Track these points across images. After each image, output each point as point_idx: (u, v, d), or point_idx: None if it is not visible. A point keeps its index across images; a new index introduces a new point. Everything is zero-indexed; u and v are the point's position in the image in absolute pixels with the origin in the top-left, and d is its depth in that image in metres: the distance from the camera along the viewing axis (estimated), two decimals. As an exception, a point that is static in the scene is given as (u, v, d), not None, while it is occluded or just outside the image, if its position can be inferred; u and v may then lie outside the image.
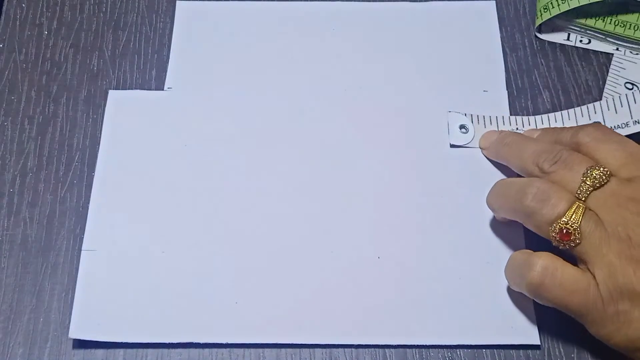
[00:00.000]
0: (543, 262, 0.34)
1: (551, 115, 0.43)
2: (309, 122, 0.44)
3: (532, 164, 0.37)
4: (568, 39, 0.46)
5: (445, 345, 0.37)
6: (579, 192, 0.34)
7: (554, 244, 0.34)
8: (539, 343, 0.37)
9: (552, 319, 0.38)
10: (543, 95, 0.45)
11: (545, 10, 0.45)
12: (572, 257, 0.35)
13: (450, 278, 0.39)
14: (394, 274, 0.39)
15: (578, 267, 0.34)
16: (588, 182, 0.34)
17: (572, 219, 0.33)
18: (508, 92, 0.45)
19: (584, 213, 0.33)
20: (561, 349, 0.38)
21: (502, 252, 0.39)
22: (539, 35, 0.47)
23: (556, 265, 0.34)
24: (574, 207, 0.33)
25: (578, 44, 0.46)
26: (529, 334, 0.38)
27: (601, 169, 0.34)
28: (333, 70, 0.45)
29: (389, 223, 0.40)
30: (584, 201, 0.34)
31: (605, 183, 0.34)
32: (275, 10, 0.48)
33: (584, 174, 0.34)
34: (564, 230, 0.33)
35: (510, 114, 0.44)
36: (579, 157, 0.36)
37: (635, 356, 0.33)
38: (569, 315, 0.34)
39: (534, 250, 0.35)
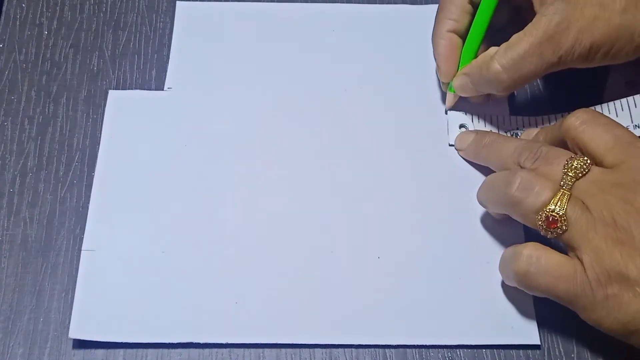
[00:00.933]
0: (527, 251, 0.34)
1: (552, 115, 0.43)
2: (309, 122, 0.44)
3: (513, 164, 0.37)
4: None
5: (445, 345, 0.37)
6: (562, 184, 0.34)
7: (542, 233, 0.34)
8: (539, 343, 0.37)
9: (552, 318, 0.38)
10: (543, 95, 0.45)
11: None
12: (563, 250, 0.35)
13: (450, 278, 0.39)
14: (394, 274, 0.39)
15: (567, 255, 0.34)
16: (570, 173, 0.34)
17: (558, 206, 0.33)
18: (508, 91, 0.45)
19: (569, 199, 0.33)
20: (561, 349, 0.38)
21: (501, 252, 0.39)
22: None
23: (540, 253, 0.34)
24: (559, 194, 0.34)
25: None
26: (529, 334, 0.38)
27: (581, 158, 0.34)
28: (333, 70, 0.45)
29: (388, 223, 0.40)
30: (568, 190, 0.34)
31: (587, 172, 0.34)
32: (275, 11, 0.48)
33: (564, 165, 0.34)
34: (550, 218, 0.33)
35: (510, 114, 0.44)
36: (558, 150, 0.36)
37: (629, 340, 0.33)
38: (560, 303, 0.34)
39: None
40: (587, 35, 0.37)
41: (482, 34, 0.41)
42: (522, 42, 0.38)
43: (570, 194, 0.34)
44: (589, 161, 0.34)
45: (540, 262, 0.34)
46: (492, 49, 0.39)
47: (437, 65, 0.43)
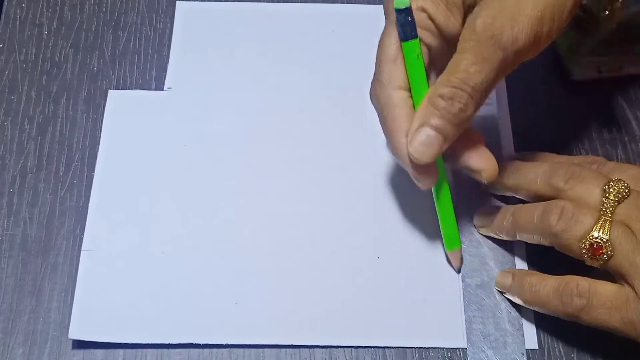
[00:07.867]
0: (582, 286, 0.33)
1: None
2: (309, 122, 0.44)
3: (544, 185, 0.36)
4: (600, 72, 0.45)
5: (445, 347, 0.37)
6: (603, 208, 0.33)
7: (587, 263, 0.34)
8: (536, 347, 0.37)
9: (552, 319, 0.38)
10: (544, 94, 0.45)
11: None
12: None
13: (450, 280, 0.39)
14: (394, 274, 0.39)
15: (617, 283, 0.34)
16: (611, 197, 0.33)
17: (601, 232, 0.33)
18: (507, 90, 0.45)
19: (611, 225, 0.33)
20: (561, 349, 0.38)
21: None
22: (574, 78, 0.45)
23: (595, 286, 0.33)
24: (601, 220, 0.33)
25: (612, 74, 0.45)
26: (528, 338, 0.37)
27: (620, 182, 0.34)
28: (333, 70, 0.45)
29: (389, 224, 0.40)
30: (610, 216, 0.33)
31: (628, 196, 0.34)
32: (275, 11, 0.48)
33: (604, 190, 0.34)
34: (595, 245, 0.33)
35: (509, 108, 0.44)
36: (592, 171, 0.35)
37: None
38: (619, 334, 0.33)
39: (540, 256, 0.35)
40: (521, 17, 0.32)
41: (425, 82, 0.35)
42: (462, 60, 0.33)
43: (612, 219, 0.33)
44: (628, 185, 0.34)
45: (594, 296, 0.33)
46: (432, 87, 0.34)
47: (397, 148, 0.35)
